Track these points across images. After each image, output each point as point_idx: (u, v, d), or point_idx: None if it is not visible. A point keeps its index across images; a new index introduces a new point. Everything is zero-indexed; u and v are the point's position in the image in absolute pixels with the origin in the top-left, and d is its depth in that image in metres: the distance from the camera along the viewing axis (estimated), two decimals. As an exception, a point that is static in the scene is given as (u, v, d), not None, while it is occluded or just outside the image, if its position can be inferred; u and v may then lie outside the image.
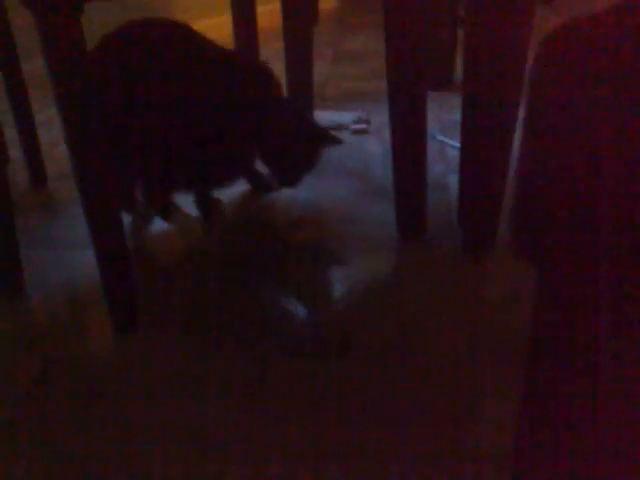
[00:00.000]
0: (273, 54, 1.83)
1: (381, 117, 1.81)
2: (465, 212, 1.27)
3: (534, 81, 0.43)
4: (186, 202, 1.42)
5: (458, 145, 1.59)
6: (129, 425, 0.92)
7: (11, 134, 1.52)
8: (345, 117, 1.82)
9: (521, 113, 1.19)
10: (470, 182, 1.22)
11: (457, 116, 1.74)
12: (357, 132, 1.77)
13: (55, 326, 1.12)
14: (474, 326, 1.08)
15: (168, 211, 1.39)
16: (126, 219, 1.33)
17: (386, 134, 1.73)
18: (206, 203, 1.43)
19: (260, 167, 1.45)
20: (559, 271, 0.40)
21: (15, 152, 1.57)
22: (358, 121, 1.80)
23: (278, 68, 1.75)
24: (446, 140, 1.66)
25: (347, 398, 0.95)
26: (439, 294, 1.16)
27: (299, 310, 1.15)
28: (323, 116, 1.79)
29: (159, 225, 1.40)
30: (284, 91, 1.41)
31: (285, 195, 1.52)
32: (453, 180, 1.47)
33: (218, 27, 2.25)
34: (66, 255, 1.31)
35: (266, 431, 0.91)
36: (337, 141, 1.40)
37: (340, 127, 1.79)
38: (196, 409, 0.94)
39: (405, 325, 1.09)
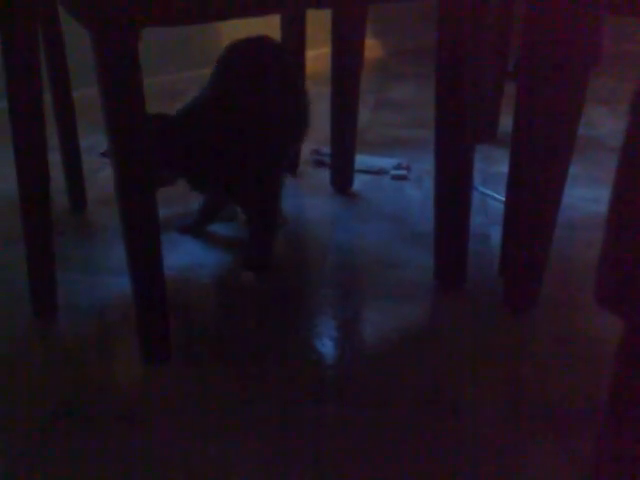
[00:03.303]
0: (318, 97, 1.85)
1: (421, 165, 1.81)
2: (508, 264, 1.24)
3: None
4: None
5: (500, 197, 1.57)
6: (150, 459, 0.89)
7: (54, 157, 1.53)
8: (385, 162, 1.81)
9: (578, 167, 1.18)
10: (515, 234, 1.20)
11: (500, 169, 1.74)
12: (397, 178, 1.76)
13: (83, 352, 1.11)
14: (514, 384, 1.04)
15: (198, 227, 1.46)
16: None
17: (426, 181, 1.73)
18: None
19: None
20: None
21: (57, 175, 1.58)
22: (398, 167, 1.79)
23: (321, 110, 1.76)
24: (488, 192, 1.64)
25: (372, 452, 0.91)
26: (478, 347, 1.12)
27: (329, 354, 1.12)
28: (364, 160, 1.78)
29: (194, 257, 1.39)
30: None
31: (320, 237, 1.51)
32: (494, 232, 1.45)
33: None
34: (100, 280, 1.30)
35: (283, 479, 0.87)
36: None
37: (380, 172, 1.78)
38: (216, 450, 0.91)
39: (440, 379, 1.05)
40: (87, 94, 1.66)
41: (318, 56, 2.13)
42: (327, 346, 1.13)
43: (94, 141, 1.82)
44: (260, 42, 1.43)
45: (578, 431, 0.94)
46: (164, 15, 0.87)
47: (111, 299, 1.24)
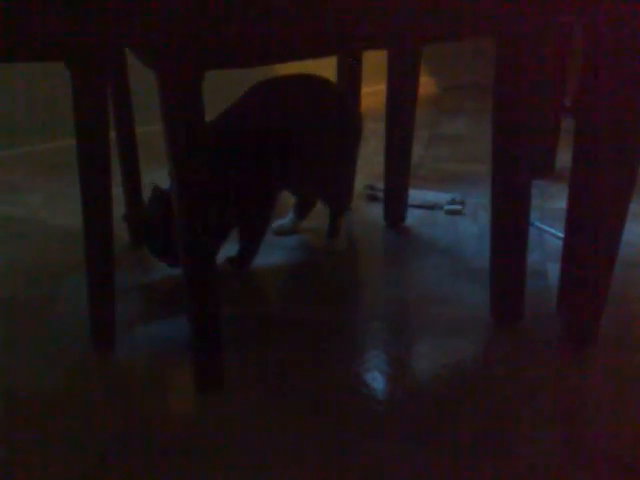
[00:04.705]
0: (373, 133, 1.87)
1: (475, 199, 1.80)
2: (566, 301, 1.21)
3: None
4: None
5: (558, 233, 1.54)
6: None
7: (117, 192, 1.59)
8: (440, 197, 1.81)
9: (636, 203, 1.16)
10: (573, 272, 1.18)
11: (557, 204, 1.72)
12: (451, 213, 1.75)
13: (138, 383, 1.13)
14: (571, 425, 1.01)
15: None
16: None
17: (481, 216, 1.72)
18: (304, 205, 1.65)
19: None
20: None
21: (119, 210, 1.63)
22: (452, 202, 1.79)
23: (375, 146, 1.78)
24: (546, 228, 1.62)
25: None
26: (534, 386, 1.10)
27: (380, 389, 1.11)
28: (418, 195, 1.79)
29: (247, 289, 1.41)
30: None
31: (372, 271, 1.51)
32: (551, 268, 1.42)
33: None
34: (157, 313, 1.33)
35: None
36: None
37: (434, 207, 1.78)
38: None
39: (494, 417, 1.03)
40: (148, 131, 1.73)
41: (374, 92, 2.16)
42: (378, 381, 1.13)
43: (155, 177, 1.88)
44: (287, 80, 1.47)
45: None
46: (227, 59, 0.90)
47: (167, 332, 1.26)
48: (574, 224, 1.19)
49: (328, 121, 1.47)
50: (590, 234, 1.13)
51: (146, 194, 1.63)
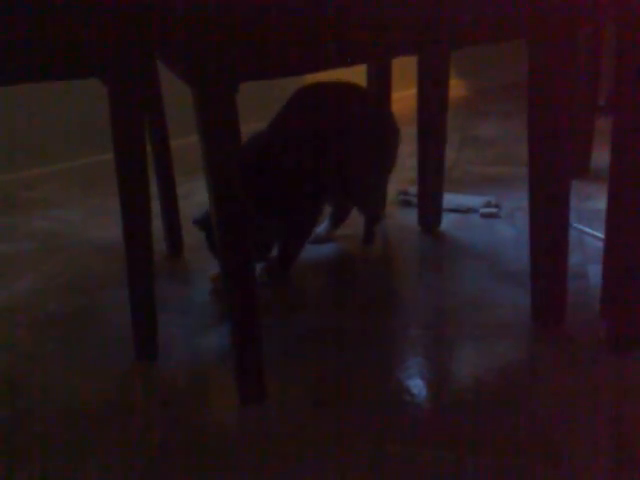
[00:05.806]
0: (404, 138, 1.86)
1: (511, 202, 1.78)
2: (609, 303, 1.19)
3: None
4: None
5: (597, 234, 1.52)
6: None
7: (153, 205, 1.60)
8: (474, 201, 1.80)
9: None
10: (616, 273, 1.16)
11: (594, 205, 1.69)
12: (486, 216, 1.74)
13: (180, 395, 1.14)
14: (616, 428, 0.99)
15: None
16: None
17: (518, 218, 1.70)
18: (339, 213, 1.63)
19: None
20: None
21: (155, 222, 1.65)
22: (487, 205, 1.77)
23: (407, 151, 1.77)
24: (585, 229, 1.59)
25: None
26: (578, 391, 1.08)
27: (422, 396, 1.10)
28: (451, 199, 1.77)
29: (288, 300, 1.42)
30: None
31: (409, 277, 1.50)
32: (592, 270, 1.40)
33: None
34: (197, 323, 1.34)
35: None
36: None
37: (469, 210, 1.76)
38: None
39: (537, 423, 1.01)
40: (182, 143, 1.75)
41: (404, 97, 2.16)
42: (421, 388, 1.12)
43: (190, 188, 1.90)
44: (327, 87, 1.47)
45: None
46: (261, 69, 0.91)
47: (208, 343, 1.27)
48: (614, 224, 1.18)
49: (365, 129, 1.47)
50: (631, 234, 1.11)
51: (183, 206, 1.66)
